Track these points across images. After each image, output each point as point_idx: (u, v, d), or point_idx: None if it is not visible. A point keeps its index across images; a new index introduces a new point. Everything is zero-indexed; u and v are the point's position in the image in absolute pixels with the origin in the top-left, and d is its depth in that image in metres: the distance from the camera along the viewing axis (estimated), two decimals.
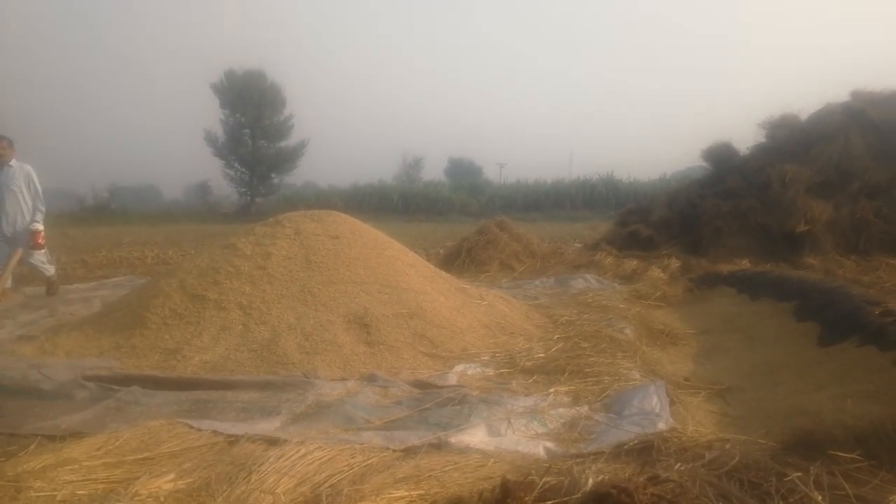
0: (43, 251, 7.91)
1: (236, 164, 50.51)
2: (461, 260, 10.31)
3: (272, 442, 2.82)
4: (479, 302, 5.79)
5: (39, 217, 7.87)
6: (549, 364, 4.37)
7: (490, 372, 4.27)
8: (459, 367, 4.26)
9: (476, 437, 2.93)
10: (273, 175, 51.71)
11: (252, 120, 49.22)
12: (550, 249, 11.45)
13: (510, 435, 3.00)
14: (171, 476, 2.12)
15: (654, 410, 3.24)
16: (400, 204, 46.42)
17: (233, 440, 2.88)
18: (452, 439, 2.86)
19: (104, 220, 39.48)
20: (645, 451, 2.70)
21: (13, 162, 7.79)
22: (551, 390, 3.72)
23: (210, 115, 50.62)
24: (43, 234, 7.80)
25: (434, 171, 79.88)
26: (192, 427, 2.97)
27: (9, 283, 7.58)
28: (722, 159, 12.76)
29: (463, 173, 68.34)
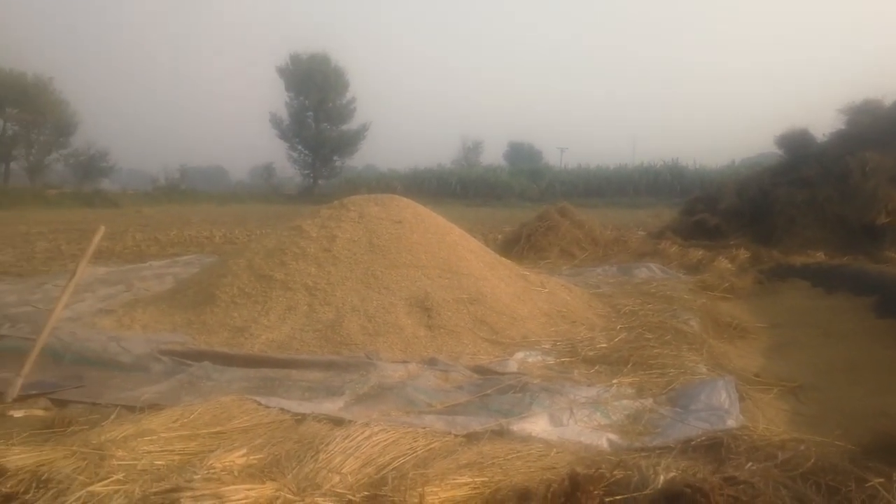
0: None
1: (300, 147, 51.56)
2: (521, 246, 10.26)
3: (337, 422, 2.89)
4: (539, 289, 5.75)
5: None
6: (611, 354, 4.31)
7: (551, 360, 4.24)
8: (520, 355, 4.25)
9: (538, 425, 2.92)
10: (335, 158, 52.56)
11: (316, 103, 50.04)
12: (613, 237, 11.25)
13: (572, 425, 2.98)
14: (243, 451, 2.20)
15: (723, 406, 3.16)
16: (458, 188, 46.43)
17: (299, 418, 2.96)
18: (514, 427, 2.85)
19: (175, 200, 40.96)
20: (714, 448, 2.63)
21: None
22: (614, 381, 3.67)
23: (276, 98, 51.71)
24: None
25: (493, 155, 79.59)
26: (260, 404, 3.06)
27: None
28: (797, 146, 12.24)
29: (523, 157, 67.70)
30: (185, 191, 45.06)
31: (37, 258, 10.48)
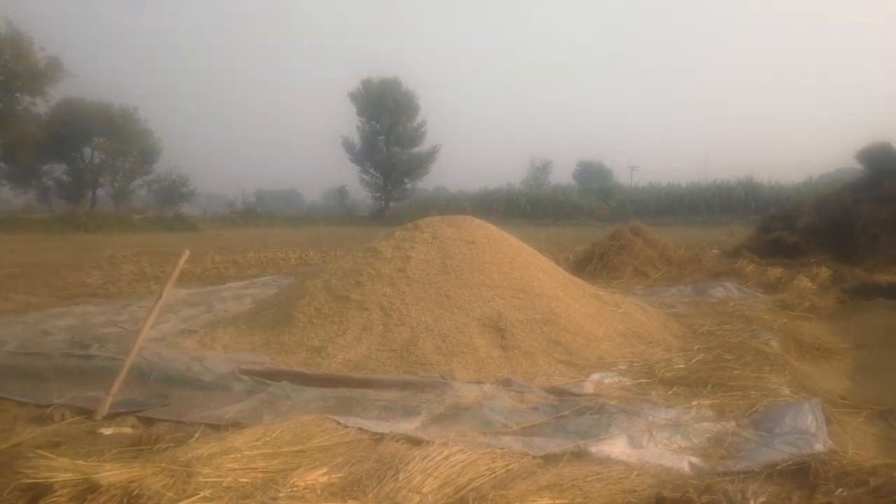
0: None
1: (371, 170, 52.63)
2: (593, 265, 10.10)
3: (415, 442, 2.89)
4: (614, 309, 5.63)
5: None
6: (690, 376, 4.17)
7: (627, 381, 4.14)
8: (596, 376, 4.16)
9: (617, 447, 2.84)
10: (406, 180, 53.40)
11: (387, 126, 51.06)
12: (687, 256, 10.94)
13: (652, 448, 2.89)
14: (325, 470, 2.22)
15: (810, 430, 3.00)
16: (528, 208, 46.28)
17: (377, 438, 2.97)
18: (593, 449, 2.79)
19: (251, 223, 42.39)
20: (801, 473, 2.50)
21: None
22: (694, 403, 3.54)
23: (348, 122, 53.01)
24: None
25: (562, 174, 79.00)
26: (339, 423, 3.10)
27: None
28: (880, 161, 11.66)
29: (592, 176, 66.96)
30: (261, 214, 46.63)
31: (122, 280, 11.00)
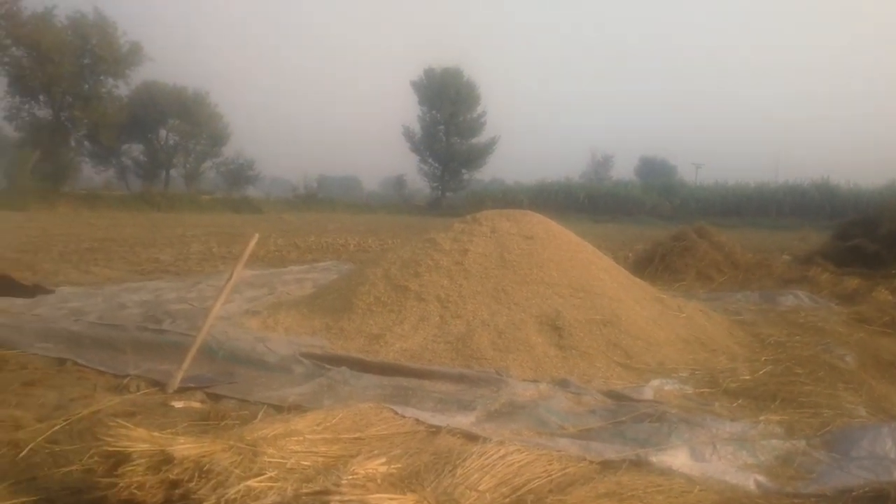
0: None
1: (430, 160, 52.88)
2: (654, 266, 9.90)
3: (471, 437, 2.91)
4: (676, 313, 5.52)
5: None
6: (756, 388, 4.05)
7: (689, 390, 4.05)
8: (656, 382, 4.09)
9: (678, 459, 2.79)
10: (463, 171, 53.45)
11: (447, 116, 51.16)
12: (754, 260, 10.60)
13: (716, 462, 2.83)
14: (383, 460, 2.26)
15: (889, 456, 2.87)
16: (586, 202, 45.66)
17: (434, 430, 3.01)
18: (653, 458, 2.75)
19: (313, 207, 43.23)
20: (878, 501, 2.40)
21: None
22: (761, 418, 3.44)
23: (409, 111, 53.35)
24: None
25: (624, 169, 77.59)
26: (396, 413, 3.14)
27: None
28: None
29: (655, 173, 65.50)
30: (322, 199, 47.49)
31: (192, 258, 11.41)
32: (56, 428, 3.05)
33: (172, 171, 49.29)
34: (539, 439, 2.99)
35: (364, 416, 2.99)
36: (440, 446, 2.71)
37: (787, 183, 45.42)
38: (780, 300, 7.77)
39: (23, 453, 2.79)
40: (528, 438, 2.99)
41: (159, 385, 3.81)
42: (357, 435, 2.80)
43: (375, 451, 2.53)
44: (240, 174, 52.24)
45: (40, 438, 2.92)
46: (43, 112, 38.35)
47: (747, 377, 4.28)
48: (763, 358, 4.79)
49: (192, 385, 3.79)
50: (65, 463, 2.71)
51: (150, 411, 3.39)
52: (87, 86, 37.76)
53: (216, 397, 3.70)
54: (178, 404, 3.52)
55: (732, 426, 3.24)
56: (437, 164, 52.91)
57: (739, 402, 3.82)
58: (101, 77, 38.44)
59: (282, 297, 7.01)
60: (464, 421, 3.23)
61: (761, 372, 4.39)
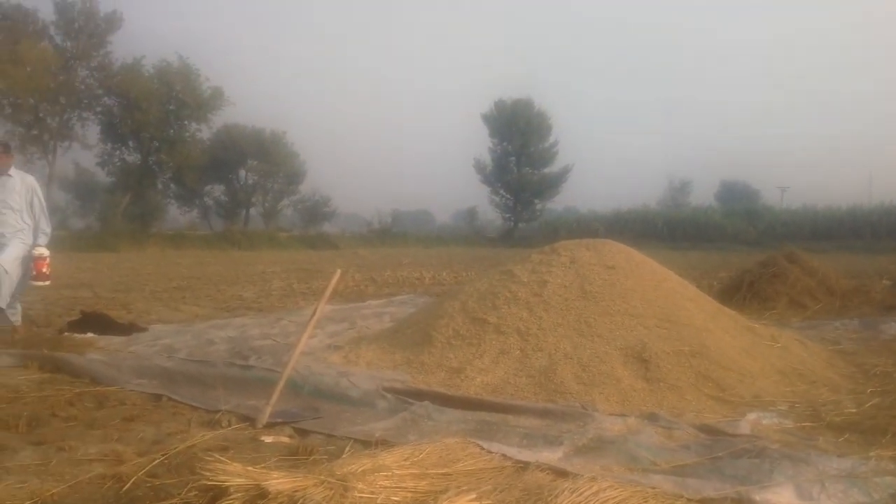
0: (47, 283, 6.55)
1: (502, 191, 53.00)
2: (741, 294, 9.50)
3: (560, 473, 2.84)
4: (770, 343, 5.27)
5: (44, 240, 6.46)
6: (863, 422, 3.80)
7: (789, 424, 3.84)
8: (752, 416, 3.90)
9: (783, 497, 2.64)
10: (536, 201, 53.25)
11: (518, 147, 51.31)
12: (851, 286, 10.04)
13: (825, 500, 2.65)
14: (474, 496, 2.24)
15: None
16: (665, 230, 44.55)
17: (521, 466, 2.95)
18: (756, 496, 2.60)
19: (387, 242, 43.96)
20: None
21: (12, 171, 6.45)
22: (872, 453, 3.22)
23: (479, 143, 53.79)
24: (49, 261, 6.40)
25: (703, 195, 75.47)
26: (482, 448, 3.10)
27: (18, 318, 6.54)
28: None
29: (736, 198, 63.36)
30: (396, 234, 48.25)
31: (273, 295, 11.75)
32: (155, 462, 3.16)
33: (252, 210, 51.23)
34: (631, 475, 2.89)
35: (451, 451, 2.96)
36: (529, 482, 2.65)
37: (882, 204, 43.08)
38: (883, 328, 7.30)
39: (126, 487, 2.90)
40: (619, 474, 2.89)
41: (249, 420, 3.90)
42: (444, 470, 2.77)
43: (464, 487, 2.50)
44: (316, 211, 53.75)
45: (141, 472, 3.03)
46: (132, 157, 40.76)
47: (853, 410, 4.02)
48: (869, 390, 4.50)
49: (280, 420, 3.87)
50: (165, 496, 2.80)
51: (242, 446, 3.47)
52: (172, 130, 39.92)
53: (303, 432, 3.76)
54: (268, 439, 3.60)
55: (840, 462, 3.04)
56: (508, 196, 52.96)
57: (846, 436, 3.59)
58: (185, 122, 40.58)
59: (362, 332, 7.11)
60: (551, 456, 3.16)
61: (868, 405, 4.11)
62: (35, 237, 6.42)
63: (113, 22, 37.45)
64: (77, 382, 4.89)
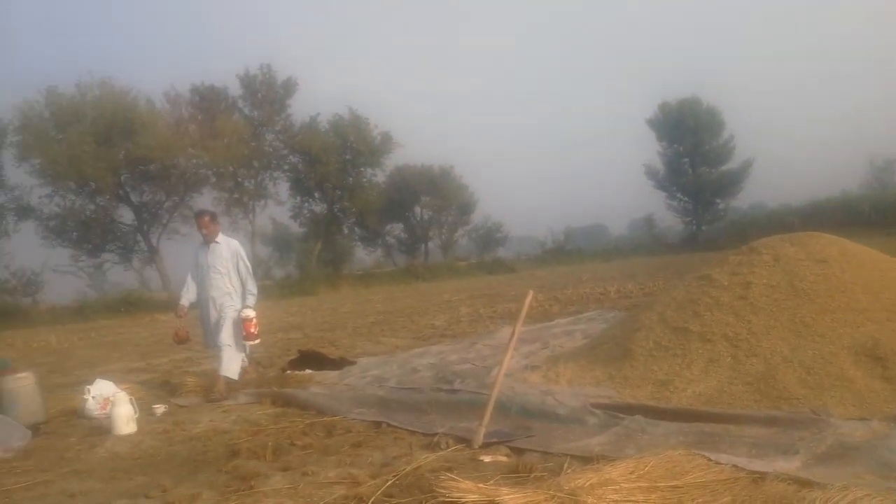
0: (257, 341, 6.82)
1: (678, 195, 50.53)
2: None
3: (803, 483, 2.65)
4: None
5: (251, 300, 6.70)
6: None
7: None
8: None
9: None
10: (717, 201, 50.09)
11: (690, 147, 48.78)
12: None
13: None
14: None
15: None
16: (873, 215, 39.77)
17: (756, 477, 2.80)
18: None
19: (562, 260, 43.59)
20: None
21: (219, 238, 6.79)
22: None
23: (648, 149, 51.86)
24: (256, 321, 6.62)
25: None
26: (709, 460, 2.99)
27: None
28: None
29: None
30: (570, 251, 47.70)
31: (462, 321, 12.11)
32: (388, 483, 3.40)
33: (430, 244, 53.26)
34: (888, 483, 2.62)
35: (676, 464, 2.89)
36: (770, 493, 2.51)
37: None
38: None
39: None
40: (873, 483, 2.64)
41: (465, 441, 4.05)
42: (674, 483, 2.70)
43: (700, 500, 2.42)
44: (490, 237, 54.69)
45: (378, 493, 3.26)
46: (319, 207, 44.18)
47: None
48: None
49: (495, 440, 3.98)
50: None
51: (463, 466, 3.62)
52: (350, 178, 42.79)
53: (519, 450, 3.84)
54: (487, 458, 3.71)
55: None
56: (686, 199, 50.36)
57: None
58: (361, 168, 43.33)
59: (556, 351, 7.12)
60: (788, 466, 2.95)
61: None
62: (243, 299, 6.67)
63: (289, 87, 41.18)
64: (305, 414, 5.37)
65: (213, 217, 6.78)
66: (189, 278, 6.92)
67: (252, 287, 6.72)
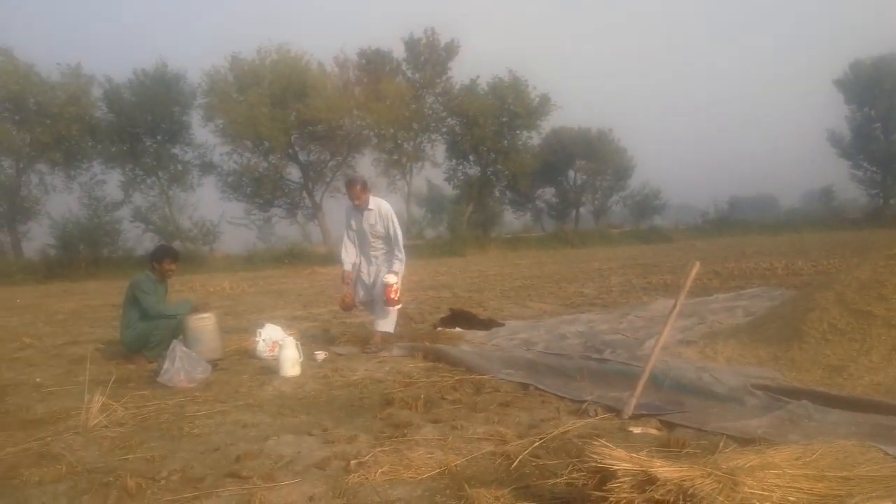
0: (398, 307, 6.75)
1: (865, 164, 45.67)
2: None
3: None
4: None
5: (398, 266, 6.71)
6: None
7: None
8: None
9: None
10: None
11: (884, 112, 43.71)
12: None
13: None
14: (888, 502, 1.99)
15: None
16: None
17: None
18: None
19: (725, 232, 41.08)
20: None
21: (371, 203, 6.79)
22: None
23: (833, 113, 47.11)
24: (398, 287, 6.58)
25: None
26: (886, 454, 2.75)
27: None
28: None
29: None
30: (734, 222, 44.79)
31: (613, 291, 11.84)
32: (535, 444, 3.46)
33: (581, 209, 52.25)
34: None
35: (848, 455, 2.68)
36: None
37: None
38: None
39: (514, 464, 3.23)
40: None
41: (613, 410, 4.01)
42: (844, 474, 2.52)
43: (874, 494, 2.25)
44: (646, 205, 52.63)
45: (525, 452, 3.34)
46: (472, 170, 44.67)
47: None
48: None
49: (646, 412, 3.90)
50: (549, 476, 3.05)
51: (611, 435, 3.59)
52: (506, 141, 42.77)
53: (670, 425, 3.74)
54: (637, 430, 3.66)
55: None
56: (874, 169, 45.38)
57: None
58: (517, 131, 43.14)
59: (714, 327, 6.79)
60: None
61: None
62: (390, 263, 6.78)
63: (451, 50, 41.66)
64: (455, 371, 5.56)
65: (365, 185, 6.82)
66: (346, 240, 7.05)
67: (399, 252, 6.76)
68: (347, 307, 6.95)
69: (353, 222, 6.94)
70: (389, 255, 6.85)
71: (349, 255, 6.99)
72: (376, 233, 6.83)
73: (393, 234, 6.76)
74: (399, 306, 6.74)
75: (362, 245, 6.98)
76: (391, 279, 6.55)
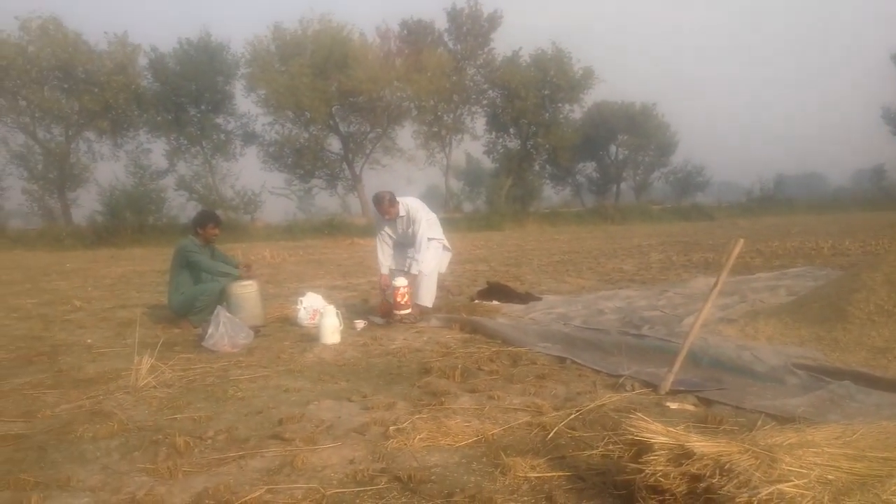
0: (406, 312, 6.63)
1: None
2: None
3: None
4: None
5: (415, 267, 6.77)
6: None
7: None
8: None
9: None
10: None
11: None
12: None
13: None
14: None
15: None
16: None
17: None
18: None
19: (769, 210, 40.18)
20: None
21: (401, 211, 6.88)
22: None
23: (888, 90, 45.34)
24: (405, 291, 6.59)
25: None
26: None
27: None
28: None
29: None
30: (780, 200, 43.74)
31: (653, 268, 11.72)
32: (571, 416, 3.49)
33: (623, 185, 51.55)
34: None
35: (890, 436, 2.64)
36: None
37: None
38: None
39: (550, 435, 3.27)
40: None
41: (650, 386, 4.01)
42: (886, 455, 2.49)
43: None
44: (688, 182, 51.74)
45: (562, 424, 3.37)
46: (512, 143, 44.37)
47: None
48: None
49: (683, 388, 3.90)
50: (584, 447, 3.08)
51: (648, 410, 3.60)
52: (547, 115, 42.30)
53: (707, 402, 3.73)
54: (674, 405, 3.66)
55: None
56: None
57: None
58: (559, 104, 42.58)
59: (756, 306, 6.70)
60: None
61: None
62: (417, 262, 6.76)
63: (494, 21, 41.16)
64: (492, 342, 5.60)
65: (392, 199, 6.82)
66: (380, 242, 7.08)
67: (418, 255, 6.75)
68: (387, 314, 6.87)
69: (388, 230, 7.06)
70: (427, 242, 6.89)
71: (385, 257, 7.08)
72: (409, 238, 6.97)
73: (418, 235, 6.79)
74: (407, 311, 6.66)
75: (404, 249, 7.11)
76: (401, 282, 6.62)
